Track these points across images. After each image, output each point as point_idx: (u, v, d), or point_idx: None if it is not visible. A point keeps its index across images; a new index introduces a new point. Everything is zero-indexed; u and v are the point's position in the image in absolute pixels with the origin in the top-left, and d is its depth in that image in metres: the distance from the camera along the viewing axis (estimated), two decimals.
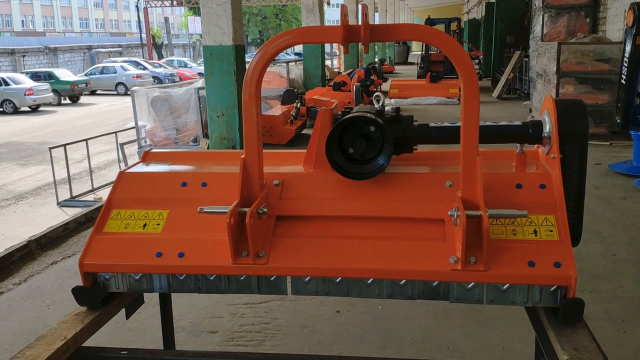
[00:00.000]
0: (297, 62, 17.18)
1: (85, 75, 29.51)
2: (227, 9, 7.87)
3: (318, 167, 1.89)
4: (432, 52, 20.32)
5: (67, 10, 52.35)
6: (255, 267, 1.66)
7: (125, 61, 33.21)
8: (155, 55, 44.05)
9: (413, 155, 1.93)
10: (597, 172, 7.13)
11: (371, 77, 15.74)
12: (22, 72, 27.91)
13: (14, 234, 6.05)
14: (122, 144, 9.31)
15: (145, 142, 9.53)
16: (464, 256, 1.55)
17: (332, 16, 37.63)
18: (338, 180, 1.81)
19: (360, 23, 1.58)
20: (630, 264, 4.36)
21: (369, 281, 1.65)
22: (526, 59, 14.56)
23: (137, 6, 38.84)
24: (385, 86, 18.98)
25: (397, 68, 31.98)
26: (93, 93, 29.09)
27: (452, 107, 13.95)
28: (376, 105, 1.90)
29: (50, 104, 24.30)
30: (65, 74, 26.44)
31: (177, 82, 22.58)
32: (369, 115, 1.75)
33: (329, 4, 32.16)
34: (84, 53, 42.71)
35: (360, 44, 1.61)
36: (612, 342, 3.29)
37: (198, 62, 35.54)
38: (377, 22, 37.38)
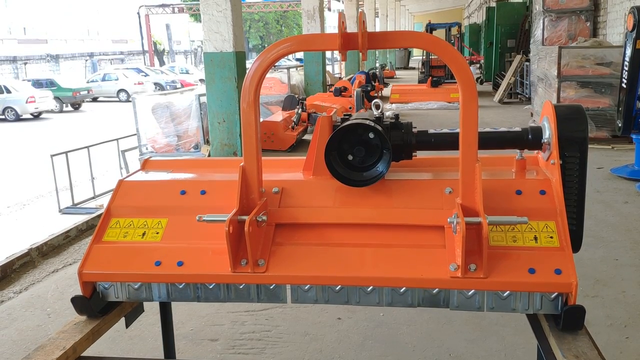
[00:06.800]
0: (298, 68, 17.21)
1: (87, 82, 29.62)
2: (227, 16, 7.89)
3: (317, 174, 1.88)
4: (432, 57, 20.33)
5: (69, 17, 52.55)
6: (255, 276, 1.66)
7: (126, 68, 33.35)
8: (156, 61, 44.16)
9: (412, 162, 1.92)
10: (598, 176, 7.11)
11: (372, 83, 15.75)
12: (24, 80, 28.03)
13: (15, 242, 6.05)
14: (124, 151, 9.32)
15: (147, 148, 9.53)
16: (464, 263, 1.54)
17: (334, 22, 37.72)
18: (337, 188, 1.80)
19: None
20: (632, 269, 4.34)
21: (368, 289, 1.64)
22: (527, 63, 14.57)
23: (138, 13, 38.90)
24: (387, 91, 19.01)
25: (398, 73, 32.03)
26: (95, 100, 29.18)
27: (454, 112, 13.95)
28: (375, 112, 1.90)
29: (52, 111, 24.38)
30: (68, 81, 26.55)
31: (179, 88, 22.63)
32: (368, 122, 1.75)
33: (329, 9, 32.26)
34: (86, 60, 42.88)
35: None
36: (615, 348, 3.27)
37: (200, 68, 35.65)
38: (378, 27, 37.47)
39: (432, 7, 50.30)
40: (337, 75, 24.28)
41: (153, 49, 43.49)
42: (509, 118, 12.70)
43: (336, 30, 1.58)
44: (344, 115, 1.97)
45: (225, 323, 3.75)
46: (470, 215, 1.56)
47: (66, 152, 7.99)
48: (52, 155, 7.97)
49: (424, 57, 21.92)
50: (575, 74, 9.38)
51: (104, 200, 8.16)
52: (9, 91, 22.56)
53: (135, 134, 9.67)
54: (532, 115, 12.14)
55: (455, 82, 1.61)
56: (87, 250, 1.79)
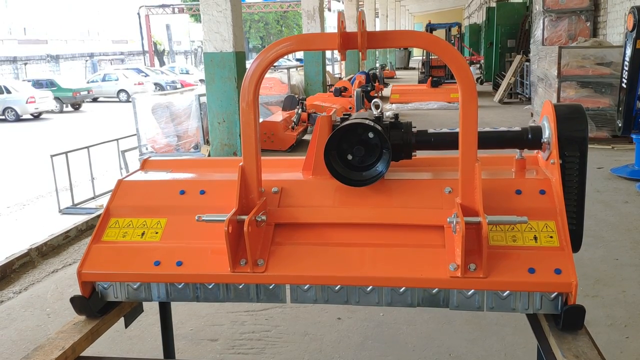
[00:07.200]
0: (298, 68, 17.21)
1: (87, 82, 29.62)
2: (227, 16, 7.89)
3: (317, 174, 1.88)
4: (432, 57, 20.33)
5: (69, 17, 52.58)
6: (254, 276, 1.65)
7: (127, 69, 33.37)
8: (157, 62, 44.17)
9: (412, 162, 1.92)
10: (599, 176, 7.11)
11: (372, 83, 15.75)
12: (24, 80, 28.03)
13: (15, 242, 6.05)
14: (124, 151, 9.31)
15: (147, 149, 9.53)
16: (464, 263, 1.54)
17: (334, 22, 37.71)
18: (337, 187, 1.80)
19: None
20: (633, 269, 4.34)
21: (368, 289, 1.64)
22: (527, 63, 14.56)
23: (138, 14, 38.90)
24: (387, 91, 19.01)
25: (398, 73, 32.01)
26: (95, 100, 29.19)
27: (454, 112, 13.94)
28: (375, 112, 1.90)
29: (52, 112, 24.38)
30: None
31: (179, 89, 22.65)
32: (367, 121, 1.75)
33: (330, 9, 32.24)
34: (86, 60, 42.90)
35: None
36: (615, 348, 3.27)
37: (200, 68, 35.68)
38: (378, 27, 37.45)
39: (432, 7, 50.31)
40: (337, 76, 24.28)
41: (153, 49, 43.49)
42: (509, 118, 12.70)
43: (336, 31, 1.58)
44: (344, 115, 1.97)
45: (225, 323, 3.74)
46: (469, 215, 1.56)
47: (66, 153, 7.99)
48: (52, 156, 7.97)
49: (424, 57, 21.91)
50: (576, 74, 9.38)
51: (104, 201, 8.15)
52: (9, 91, 22.56)
53: (135, 134, 9.67)
54: (532, 115, 12.14)
55: (455, 82, 1.61)
56: (86, 250, 1.79)
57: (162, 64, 45.28)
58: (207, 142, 9.15)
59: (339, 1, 31.87)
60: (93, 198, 8.36)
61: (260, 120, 7.94)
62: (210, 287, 1.72)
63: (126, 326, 1.96)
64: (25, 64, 36.79)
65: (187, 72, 35.91)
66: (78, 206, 8.02)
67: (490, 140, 1.85)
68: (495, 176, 1.80)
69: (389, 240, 1.69)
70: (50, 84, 25.79)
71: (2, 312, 4.15)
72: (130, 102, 11.94)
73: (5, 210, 8.80)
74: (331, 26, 31.94)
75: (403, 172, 1.89)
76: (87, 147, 8.55)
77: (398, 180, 1.82)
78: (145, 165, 2.14)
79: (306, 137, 10.86)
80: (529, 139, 1.82)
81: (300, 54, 30.23)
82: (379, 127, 1.74)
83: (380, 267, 1.63)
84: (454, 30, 21.93)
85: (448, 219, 1.58)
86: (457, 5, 46.72)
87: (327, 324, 3.67)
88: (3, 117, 22.41)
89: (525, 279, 1.53)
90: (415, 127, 1.89)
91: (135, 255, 1.76)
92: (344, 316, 3.74)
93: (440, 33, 20.34)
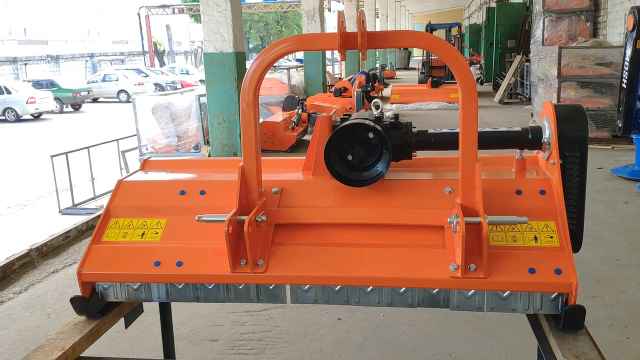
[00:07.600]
0: (298, 69, 17.22)
1: (88, 83, 29.63)
2: (227, 16, 7.90)
3: (317, 174, 1.88)
4: (432, 58, 20.34)
5: (69, 18, 52.57)
6: (254, 276, 1.65)
7: (127, 69, 33.38)
8: (157, 62, 44.18)
9: (412, 162, 1.92)
10: (599, 176, 7.11)
11: (372, 83, 15.74)
12: (24, 81, 28.04)
13: (15, 242, 6.05)
14: (124, 152, 9.32)
15: (147, 149, 9.53)
16: (464, 263, 1.54)
17: (334, 22, 37.71)
18: (337, 188, 1.80)
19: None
20: (633, 269, 4.34)
21: (368, 289, 1.64)
22: (527, 64, 14.57)
23: (138, 14, 38.91)
24: (387, 92, 19.01)
25: (398, 73, 32.00)
26: (95, 101, 29.20)
27: (454, 112, 13.94)
28: (375, 112, 1.89)
29: (52, 112, 24.39)
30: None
31: (179, 89, 22.62)
32: (367, 121, 1.74)
33: (330, 10, 32.24)
34: (86, 61, 42.92)
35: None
36: (615, 348, 3.27)
37: (200, 69, 35.70)
38: (378, 27, 37.45)
39: (432, 7, 50.34)
40: (337, 76, 24.28)
41: (153, 49, 43.48)
42: (509, 118, 12.70)
43: (336, 31, 1.58)
44: (344, 115, 1.97)
45: (225, 323, 3.74)
46: (470, 215, 1.56)
47: (66, 153, 7.99)
48: (52, 156, 7.97)
49: (424, 58, 21.91)
50: (576, 74, 9.38)
51: (104, 201, 8.15)
52: (9, 92, 22.57)
53: (135, 135, 9.68)
54: (532, 115, 12.14)
55: (456, 83, 1.60)
56: (86, 251, 1.79)
57: (162, 64, 45.30)
58: (207, 143, 9.15)
59: (339, 1, 31.86)
60: (93, 198, 8.36)
61: (261, 120, 7.95)
62: (210, 287, 1.72)
63: (126, 326, 1.96)
64: (26, 64, 36.81)
65: (187, 73, 35.92)
66: (78, 206, 8.02)
67: (490, 140, 1.84)
68: (496, 176, 1.80)
69: (389, 240, 1.69)
70: (50, 85, 25.81)
71: (3, 312, 4.15)
72: (130, 102, 11.94)
73: (5, 210, 8.80)
74: (331, 26, 31.91)
75: (403, 173, 1.89)
76: (87, 148, 8.55)
77: (398, 180, 1.82)
78: (145, 165, 2.14)
79: (306, 137, 10.86)
80: (529, 139, 1.82)
81: (300, 54, 30.23)
82: (379, 128, 1.74)
83: (380, 268, 1.63)
84: (454, 31, 21.93)
85: (448, 219, 1.58)
86: (457, 5, 46.74)
87: (327, 325, 3.67)
88: (3, 117, 22.42)
89: (525, 279, 1.53)
90: (415, 127, 1.89)
91: (135, 255, 1.76)
92: (344, 316, 3.74)
93: (440, 33, 20.33)
